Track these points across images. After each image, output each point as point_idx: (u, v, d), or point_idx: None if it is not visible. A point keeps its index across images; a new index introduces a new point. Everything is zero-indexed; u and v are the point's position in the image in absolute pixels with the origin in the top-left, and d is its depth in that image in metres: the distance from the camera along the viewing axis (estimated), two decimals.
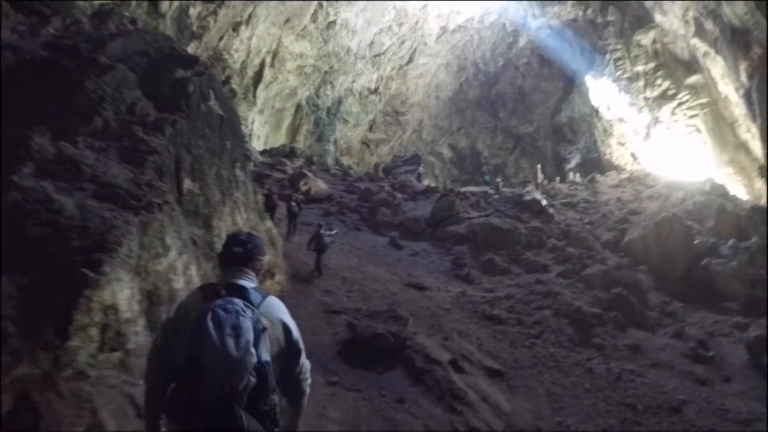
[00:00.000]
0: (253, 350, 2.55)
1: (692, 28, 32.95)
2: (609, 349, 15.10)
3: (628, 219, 29.16)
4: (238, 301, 2.70)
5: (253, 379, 2.55)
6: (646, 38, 41.33)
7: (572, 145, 53.79)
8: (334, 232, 19.23)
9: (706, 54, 33.19)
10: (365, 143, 52.57)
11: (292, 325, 2.97)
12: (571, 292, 18.96)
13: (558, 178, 46.07)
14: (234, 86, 36.27)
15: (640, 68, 42.39)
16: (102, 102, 9.26)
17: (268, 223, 16.07)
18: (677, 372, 14.12)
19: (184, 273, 8.21)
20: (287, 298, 14.01)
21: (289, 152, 37.19)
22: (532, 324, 16.19)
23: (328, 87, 45.95)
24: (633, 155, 45.61)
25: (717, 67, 32.40)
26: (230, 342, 2.51)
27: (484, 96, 55.82)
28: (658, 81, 40.92)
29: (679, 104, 39.04)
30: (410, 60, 51.45)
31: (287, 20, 39.67)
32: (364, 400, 9.42)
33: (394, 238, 24.19)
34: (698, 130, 37.32)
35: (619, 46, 44.18)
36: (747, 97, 28.99)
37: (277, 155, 35.81)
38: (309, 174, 29.94)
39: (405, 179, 35.45)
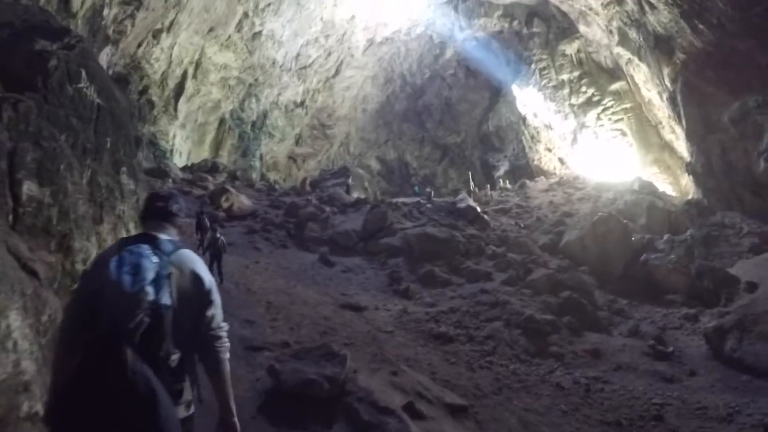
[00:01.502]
0: (149, 289, 2.42)
1: (616, 38, 33.18)
2: (569, 357, 13.64)
3: (563, 221, 28.32)
4: (147, 247, 2.59)
5: (147, 319, 2.38)
6: (570, 48, 41.96)
7: (500, 153, 52.77)
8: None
9: (629, 61, 33.40)
10: (292, 158, 49.62)
11: (206, 277, 2.76)
12: (519, 299, 17.18)
13: (488, 186, 44.61)
14: (154, 98, 32.78)
15: (565, 77, 42.91)
16: None
17: None
18: (642, 372, 12.95)
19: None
20: None
21: (212, 167, 33.81)
22: (483, 339, 14.34)
23: (253, 100, 42.92)
24: (561, 160, 45.60)
25: (640, 73, 32.62)
26: (126, 278, 2.42)
27: (411, 108, 53.99)
28: (583, 88, 41.46)
29: (604, 109, 39.71)
30: (337, 72, 49.06)
31: (211, 29, 36.55)
32: None
33: (324, 255, 21.78)
34: (623, 133, 38.00)
35: (544, 56, 44.52)
36: (671, 100, 29.02)
37: (198, 171, 32.32)
38: (231, 189, 26.79)
39: (333, 192, 32.70)
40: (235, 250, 20.57)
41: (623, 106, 37.60)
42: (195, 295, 2.66)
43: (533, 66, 45.19)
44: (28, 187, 6.83)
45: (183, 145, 37.81)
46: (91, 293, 2.45)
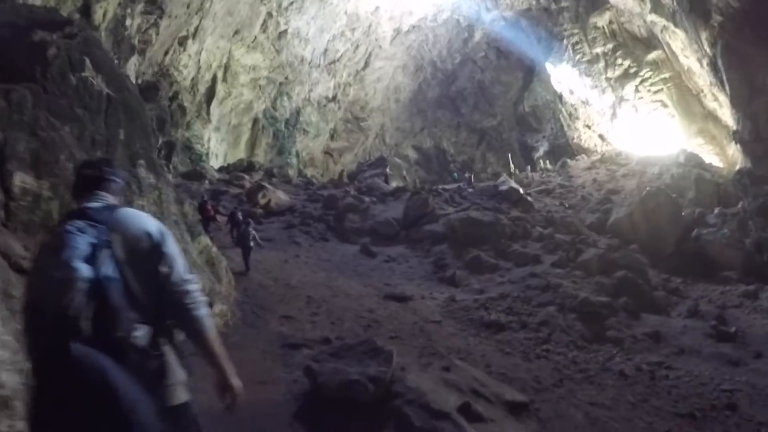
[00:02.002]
0: (79, 266, 2.04)
1: (648, 5, 31.34)
2: (628, 342, 12.50)
3: (609, 199, 27.20)
4: (79, 223, 2.21)
5: (90, 300, 2.02)
6: (601, 20, 39.69)
7: (538, 134, 50.90)
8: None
9: (664, 29, 31.50)
10: (328, 153, 48.73)
11: (153, 229, 2.36)
12: (571, 282, 16.07)
13: (528, 168, 43.09)
14: (186, 104, 32.23)
15: (599, 50, 40.72)
16: None
17: (204, 240, 12.07)
18: (707, 356, 11.90)
19: None
20: (231, 334, 10.12)
21: (248, 167, 33.17)
22: (537, 326, 13.24)
23: (285, 98, 42.18)
24: (601, 136, 43.77)
25: (677, 40, 30.75)
26: (50, 263, 2.09)
27: (444, 94, 52.48)
28: (619, 60, 39.35)
29: (642, 81, 37.57)
30: (366, 65, 47.99)
31: (236, 32, 35.92)
32: None
33: (365, 245, 20.87)
34: (664, 105, 36.01)
35: (575, 31, 42.39)
36: (712, 66, 27.17)
37: (234, 171, 31.72)
38: (267, 186, 26.03)
39: (372, 182, 31.60)
40: (274, 245, 19.82)
41: (662, 76, 35.53)
42: (146, 253, 2.29)
43: (565, 41, 43.21)
44: (21, 179, 6.04)
45: (218, 147, 37.39)
46: (26, 295, 2.23)
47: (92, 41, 9.22)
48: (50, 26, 8.84)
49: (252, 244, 15.31)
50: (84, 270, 2.04)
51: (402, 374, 7.11)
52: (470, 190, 30.91)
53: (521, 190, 28.45)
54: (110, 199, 2.51)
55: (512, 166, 42.83)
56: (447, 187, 33.19)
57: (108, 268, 2.12)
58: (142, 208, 8.80)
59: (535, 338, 12.43)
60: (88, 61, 8.60)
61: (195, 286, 2.42)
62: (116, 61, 25.29)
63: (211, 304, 10.24)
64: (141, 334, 2.17)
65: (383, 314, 12.77)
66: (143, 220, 2.41)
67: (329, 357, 7.27)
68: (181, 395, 2.38)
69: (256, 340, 10.08)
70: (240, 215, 18.24)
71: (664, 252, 19.41)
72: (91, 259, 2.09)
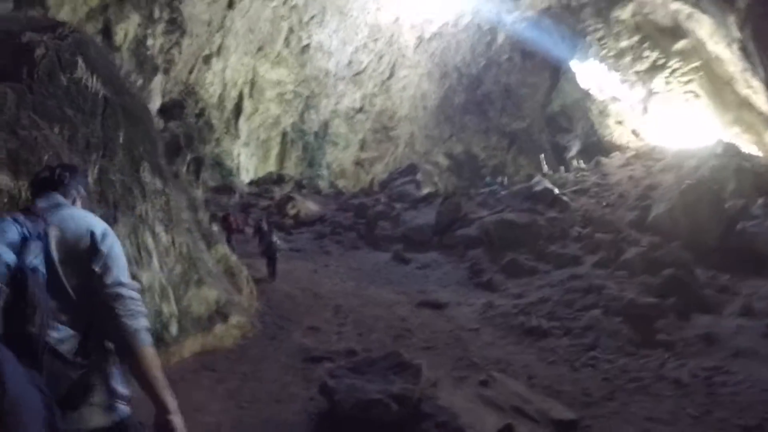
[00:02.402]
0: (2, 250, 1.85)
1: None
2: (679, 345, 11.22)
3: (647, 195, 25.31)
4: (19, 215, 2.02)
5: (4, 288, 1.78)
6: (624, 13, 37.41)
7: (570, 133, 48.72)
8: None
9: (689, 16, 29.88)
10: (359, 163, 47.80)
11: (97, 227, 2.13)
12: (615, 283, 14.74)
13: (562, 168, 41.36)
14: (214, 120, 31.79)
15: (624, 44, 38.46)
16: None
17: (222, 249, 11.22)
18: (765, 358, 10.42)
19: None
20: (249, 347, 9.21)
21: (277, 179, 32.61)
22: (582, 331, 12.11)
23: (312, 111, 41.52)
24: (634, 132, 41.32)
25: (703, 27, 29.10)
26: None
27: (471, 99, 50.98)
28: (645, 53, 37.08)
29: (672, 72, 35.36)
30: (391, 74, 47.00)
31: (260, 48, 35.46)
32: None
33: (397, 252, 20.06)
34: (696, 95, 33.83)
35: (599, 26, 40.01)
36: (743, 51, 25.50)
37: (264, 183, 31.14)
38: (296, 197, 25.34)
39: (403, 189, 30.53)
40: (303, 255, 19.10)
41: (691, 66, 33.31)
42: (84, 253, 2.03)
43: (589, 38, 41.02)
44: None
45: (248, 162, 36.94)
46: None
47: (86, 42, 8.45)
48: (42, 28, 8.14)
49: (278, 254, 14.98)
50: (4, 254, 1.84)
51: (433, 391, 6.04)
52: (503, 192, 29.45)
53: (556, 190, 27.10)
54: (61, 200, 2.26)
55: (545, 166, 41.12)
56: (480, 191, 31.93)
57: (35, 260, 1.89)
58: (146, 213, 8.00)
59: (580, 345, 11.31)
60: (80, 62, 7.83)
61: (132, 293, 2.10)
62: (141, 80, 25.14)
63: (226, 316, 9.37)
64: (62, 336, 1.91)
65: (416, 323, 11.75)
66: (88, 219, 2.18)
67: (348, 372, 6.23)
68: (102, 419, 1.97)
69: (276, 353, 9.16)
70: (265, 225, 17.56)
71: (707, 247, 17.85)
72: (19, 249, 1.89)
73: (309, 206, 25.00)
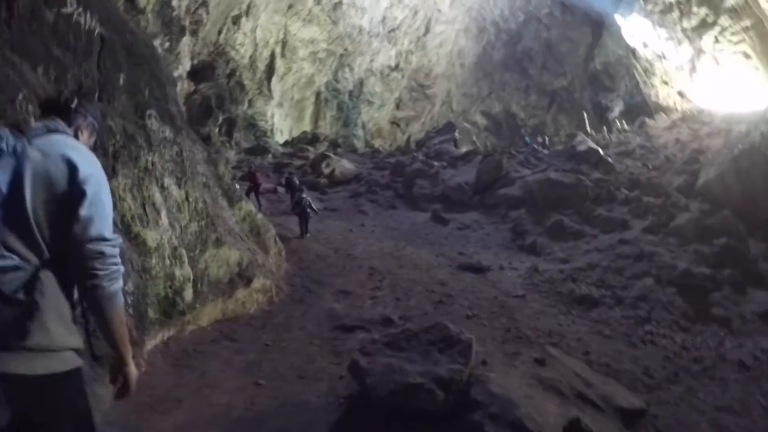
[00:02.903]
0: None
1: None
2: (736, 322, 10.26)
3: (696, 159, 23.69)
4: (4, 130, 1.88)
5: None
6: None
7: (612, 93, 45.92)
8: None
9: None
10: (395, 123, 46.45)
11: (82, 165, 1.88)
12: (667, 250, 13.62)
13: (605, 128, 39.16)
14: (246, 81, 30.69)
15: None
16: None
17: (246, 206, 10.13)
18: None
19: None
20: (275, 313, 8.17)
21: (312, 138, 31.49)
22: (634, 301, 11.05)
23: (347, 70, 40.18)
24: (680, 93, 38.31)
25: None
26: None
27: (510, 55, 48.74)
28: (694, 9, 34.01)
29: (722, 31, 32.38)
30: (427, 30, 45.18)
31: (290, 6, 34.08)
32: None
33: (436, 212, 18.87)
34: (747, 56, 30.93)
35: None
36: None
37: (299, 143, 30.03)
38: (331, 155, 24.13)
39: (441, 148, 28.96)
40: (338, 215, 18.07)
41: (743, 25, 30.29)
42: (62, 186, 1.82)
43: None
44: None
45: (283, 123, 35.99)
46: None
47: None
48: None
49: (309, 211, 14.41)
50: None
51: (484, 372, 4.83)
52: (546, 151, 28.09)
53: (601, 151, 25.37)
54: (60, 126, 2.02)
55: (588, 125, 38.98)
56: (521, 149, 30.33)
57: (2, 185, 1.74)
58: (152, 165, 6.90)
59: (635, 317, 10.25)
60: None
61: (115, 250, 1.89)
62: (168, 43, 24.16)
63: (249, 280, 8.31)
64: (5, 265, 1.67)
65: (457, 288, 10.53)
66: (77, 153, 1.90)
67: (384, 347, 5.02)
68: (41, 365, 1.70)
69: (303, 319, 8.09)
70: (295, 179, 17.31)
71: (758, 217, 16.27)
72: None
73: (344, 165, 23.81)
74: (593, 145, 26.11)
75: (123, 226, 6.29)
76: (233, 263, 8.18)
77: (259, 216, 10.33)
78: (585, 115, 41.31)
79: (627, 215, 17.31)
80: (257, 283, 8.47)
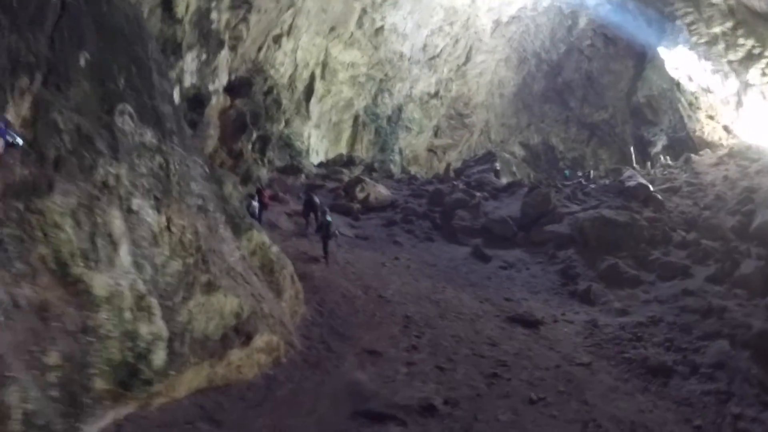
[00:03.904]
0: None
1: None
2: None
3: (750, 198, 21.50)
4: None
5: None
6: None
7: (655, 126, 42.90)
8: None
9: None
10: (432, 150, 44.19)
11: None
12: (738, 305, 11.42)
13: (648, 164, 36.65)
14: (284, 101, 28.93)
15: (717, 29, 32.81)
16: None
17: (258, 237, 7.90)
18: None
19: None
20: (280, 380, 5.96)
21: (347, 161, 29.35)
22: (711, 370, 9.03)
23: (386, 95, 38.20)
24: (726, 128, 35.90)
25: None
26: None
27: (551, 87, 46.14)
28: (740, 40, 31.64)
29: None
30: (467, 59, 43.07)
31: (332, 29, 32.36)
32: None
33: (477, 248, 16.64)
34: None
35: (689, 9, 34.38)
36: None
37: (333, 165, 27.98)
38: (366, 179, 21.96)
39: (481, 177, 26.48)
40: (370, 244, 15.87)
41: None
42: None
43: (678, 22, 35.46)
44: None
45: (319, 144, 34.10)
46: None
47: None
48: None
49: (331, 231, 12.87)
50: None
51: None
52: (592, 186, 25.58)
53: (651, 187, 23.06)
54: None
55: (633, 160, 36.41)
56: (566, 183, 27.77)
57: None
58: (114, 179, 4.73)
59: (716, 392, 8.36)
60: None
61: None
62: (205, 55, 22.53)
63: (249, 336, 6.06)
64: None
65: (510, 351, 8.20)
66: None
67: None
68: None
69: (316, 397, 5.78)
70: (316, 199, 15.98)
71: None
72: None
73: (379, 190, 21.59)
74: (643, 181, 23.98)
75: (57, 265, 4.11)
76: (229, 314, 5.95)
77: (274, 249, 8.08)
78: (632, 149, 38.66)
79: (686, 260, 15.41)
80: (260, 340, 6.22)
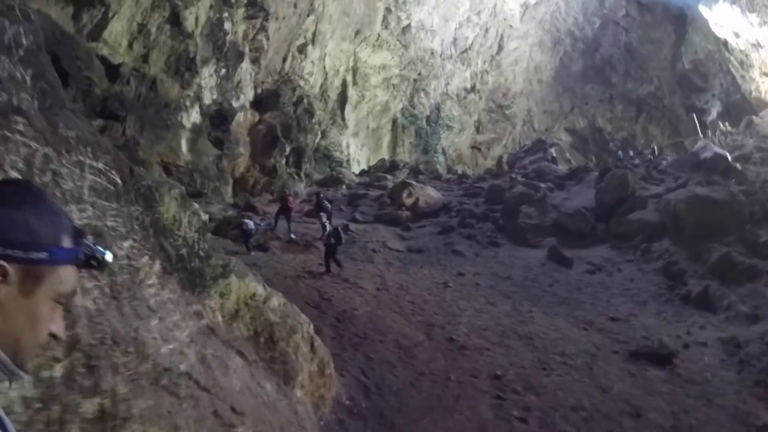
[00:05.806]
0: None
1: None
2: None
3: None
4: None
5: None
6: None
7: (706, 93, 38.38)
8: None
9: None
10: (476, 147, 40.54)
11: None
12: None
13: (707, 133, 32.24)
14: (318, 112, 26.02)
15: None
16: None
17: (244, 285, 4.33)
18: None
19: None
20: None
21: (390, 166, 25.95)
22: None
23: (422, 95, 35.11)
24: None
25: None
26: None
27: (589, 65, 41.85)
28: None
29: None
30: (500, 48, 39.59)
31: (357, 32, 29.52)
32: None
33: (554, 249, 13.17)
34: None
35: None
36: None
37: (375, 172, 24.64)
38: (413, 183, 18.56)
39: (539, 166, 22.49)
40: (426, 258, 12.43)
41: None
42: None
43: None
44: None
45: (359, 153, 31.35)
46: None
47: None
48: None
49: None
50: None
51: None
52: (663, 161, 21.91)
53: (729, 157, 19.22)
54: None
55: (698, 130, 32.20)
56: (634, 162, 23.97)
57: None
58: None
59: None
60: None
61: None
62: (224, 69, 19.69)
63: None
64: None
65: (659, 419, 4.78)
66: None
67: None
68: None
69: None
70: (325, 200, 14.44)
71: None
72: None
73: (429, 193, 18.10)
74: (720, 151, 20.07)
75: None
76: None
77: (275, 301, 4.59)
78: (694, 116, 34.03)
79: None
80: None
